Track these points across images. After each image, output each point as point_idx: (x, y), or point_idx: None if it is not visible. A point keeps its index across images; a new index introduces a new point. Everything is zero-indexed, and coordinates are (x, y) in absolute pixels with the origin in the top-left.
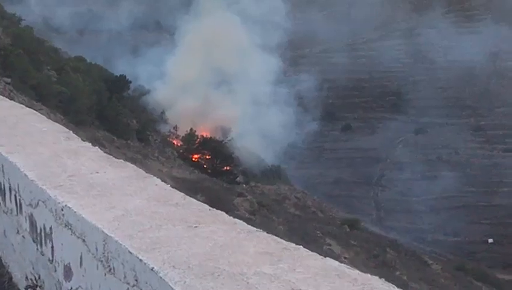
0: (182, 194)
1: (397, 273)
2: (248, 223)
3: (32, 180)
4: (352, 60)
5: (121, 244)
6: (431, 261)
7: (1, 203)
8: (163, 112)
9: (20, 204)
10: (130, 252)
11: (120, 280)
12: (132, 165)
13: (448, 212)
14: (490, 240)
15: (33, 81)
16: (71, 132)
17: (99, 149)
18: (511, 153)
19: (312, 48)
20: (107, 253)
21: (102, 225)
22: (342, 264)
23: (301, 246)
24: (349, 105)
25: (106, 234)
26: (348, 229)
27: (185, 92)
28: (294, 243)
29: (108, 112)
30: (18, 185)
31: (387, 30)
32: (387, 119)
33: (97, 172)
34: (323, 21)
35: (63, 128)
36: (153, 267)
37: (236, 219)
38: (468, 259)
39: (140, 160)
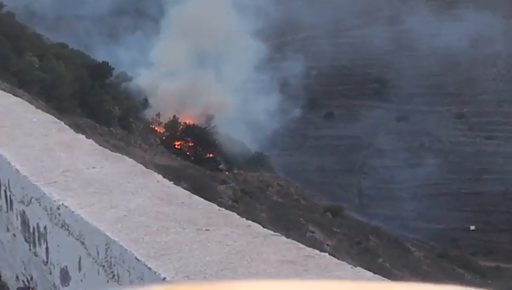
0: (187, 192)
1: (380, 260)
2: (232, 211)
3: (24, 176)
4: (335, 47)
5: (126, 249)
6: (413, 249)
7: None
8: (146, 99)
9: (11, 200)
10: (137, 259)
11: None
12: (130, 159)
13: (431, 199)
14: (472, 227)
15: (15, 68)
16: (63, 122)
17: (93, 142)
18: (494, 141)
19: (295, 35)
20: (110, 258)
21: (104, 226)
22: (376, 275)
23: (327, 254)
24: (331, 92)
25: (109, 237)
26: (330, 217)
27: (169, 77)
28: (278, 231)
29: (91, 99)
30: (8, 180)
31: (370, 17)
32: (370, 106)
33: (94, 167)
34: (305, 7)
35: (54, 119)
36: (165, 277)
37: (249, 221)
38: (451, 246)
39: (123, 147)
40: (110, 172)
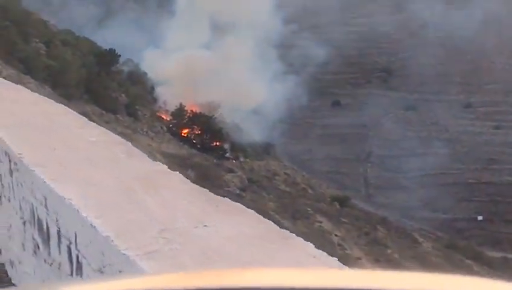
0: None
1: (388, 251)
2: (238, 200)
3: (105, 237)
4: (342, 35)
5: None
6: (421, 239)
7: (41, 247)
8: (152, 87)
9: (79, 263)
10: None
11: None
12: (251, 211)
13: (438, 189)
14: (480, 218)
15: (21, 54)
16: (129, 143)
17: (180, 174)
18: (502, 130)
19: (302, 23)
20: None
21: None
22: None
23: None
24: (338, 81)
25: None
26: (338, 206)
27: (176, 63)
28: (285, 219)
29: (97, 85)
30: (75, 234)
31: (377, 5)
32: (376, 95)
33: (204, 225)
34: None
35: (118, 139)
36: None
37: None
38: (458, 236)
39: (129, 135)
40: (231, 235)
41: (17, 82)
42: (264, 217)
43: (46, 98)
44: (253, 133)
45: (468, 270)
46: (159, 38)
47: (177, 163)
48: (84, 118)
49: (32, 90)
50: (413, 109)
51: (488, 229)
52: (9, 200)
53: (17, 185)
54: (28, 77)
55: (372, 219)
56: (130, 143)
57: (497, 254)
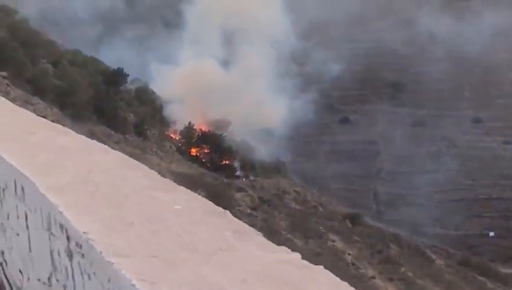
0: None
1: (402, 269)
2: (250, 219)
3: None
4: (351, 51)
5: None
6: (434, 257)
7: None
8: (161, 105)
9: None
10: None
11: None
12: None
13: (448, 205)
14: (491, 234)
15: (29, 75)
16: (228, 212)
17: (326, 271)
18: (511, 145)
19: (310, 39)
20: None
21: None
22: None
23: None
24: (347, 97)
25: None
26: (350, 224)
27: (184, 78)
28: (298, 239)
29: (106, 105)
30: None
31: (385, 21)
32: (385, 111)
33: None
34: (320, 12)
35: (211, 206)
36: None
37: None
38: (470, 253)
39: (139, 155)
40: None
41: (25, 102)
42: (276, 237)
43: (102, 144)
44: (262, 150)
45: (482, 288)
46: (167, 55)
47: (187, 183)
48: (153, 171)
49: (41, 112)
50: (423, 125)
51: (500, 245)
52: None
53: (82, 275)
54: (37, 98)
55: (384, 237)
56: (228, 212)
57: (509, 270)
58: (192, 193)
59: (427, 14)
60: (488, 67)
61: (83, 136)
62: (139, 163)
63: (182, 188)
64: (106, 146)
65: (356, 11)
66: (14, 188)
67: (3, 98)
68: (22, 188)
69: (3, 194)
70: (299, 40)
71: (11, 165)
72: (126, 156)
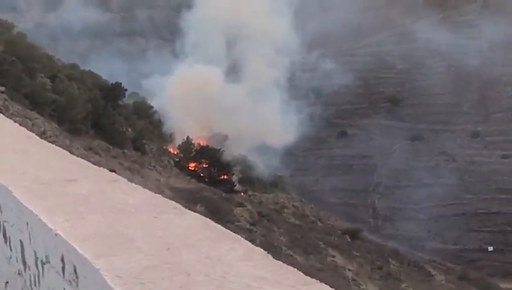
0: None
1: (403, 285)
2: (250, 235)
3: None
4: (348, 65)
5: None
6: (434, 272)
7: None
8: (159, 119)
9: None
10: None
11: None
12: None
13: (447, 220)
14: (490, 248)
15: (27, 90)
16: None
17: None
18: (509, 160)
19: (307, 54)
20: None
21: None
22: None
23: None
24: (344, 111)
25: None
26: (349, 239)
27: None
28: (298, 255)
29: (104, 120)
30: None
31: (383, 35)
32: (383, 125)
33: None
34: (317, 26)
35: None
36: None
37: None
38: (469, 268)
39: (138, 170)
40: None
41: (24, 117)
42: (276, 252)
43: (173, 202)
44: (260, 165)
45: None
46: (164, 68)
47: (185, 198)
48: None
49: (39, 126)
50: (421, 139)
51: (499, 260)
52: None
53: None
54: (34, 112)
55: (384, 252)
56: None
57: (509, 285)
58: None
59: (425, 28)
60: (487, 81)
61: (141, 188)
62: (229, 232)
63: (236, 236)
64: (178, 204)
65: (354, 25)
66: (61, 267)
67: (28, 132)
68: (76, 274)
69: (43, 269)
70: (297, 54)
71: (56, 235)
72: (206, 219)
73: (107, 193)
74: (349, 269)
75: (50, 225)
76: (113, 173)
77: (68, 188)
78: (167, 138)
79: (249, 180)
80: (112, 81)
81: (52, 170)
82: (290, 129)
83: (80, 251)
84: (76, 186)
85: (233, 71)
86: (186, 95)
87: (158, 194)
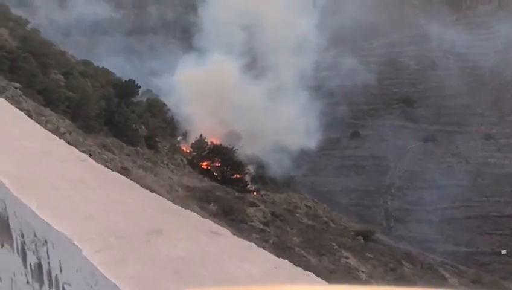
0: None
1: (417, 287)
2: (263, 235)
3: None
4: (362, 66)
5: None
6: (447, 274)
7: None
8: (172, 117)
9: None
10: None
11: None
12: None
13: (460, 222)
14: (503, 251)
15: (40, 86)
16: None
17: None
18: None
19: (322, 53)
20: None
21: None
22: None
23: None
24: (357, 112)
25: None
26: (362, 241)
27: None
28: (311, 256)
29: (118, 117)
30: None
31: (398, 35)
32: (396, 126)
33: None
34: (332, 26)
35: None
36: None
37: None
38: (481, 270)
39: (150, 168)
40: None
41: (38, 114)
42: (289, 253)
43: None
44: (272, 164)
45: None
46: (177, 65)
47: (198, 197)
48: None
49: (53, 123)
50: (434, 141)
51: (511, 263)
52: None
53: None
54: (48, 109)
55: (397, 254)
56: None
57: None
58: None
59: (439, 28)
60: (501, 83)
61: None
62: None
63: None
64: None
65: (368, 25)
66: None
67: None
68: None
69: None
70: (315, 53)
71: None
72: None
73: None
74: (362, 271)
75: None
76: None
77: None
78: (180, 136)
79: (262, 180)
80: (124, 78)
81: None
82: (304, 129)
83: None
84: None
85: (248, 69)
86: (201, 92)
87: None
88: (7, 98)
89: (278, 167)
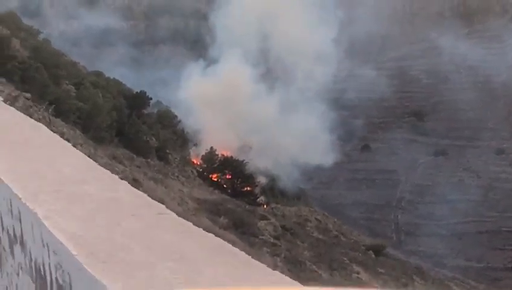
0: None
1: None
2: (274, 249)
3: None
4: (373, 79)
5: None
6: None
7: None
8: (182, 130)
9: None
10: None
11: None
12: None
13: (471, 237)
14: None
15: (51, 97)
16: None
17: None
18: None
19: (337, 65)
20: None
21: None
22: None
23: None
24: (368, 125)
25: None
26: (373, 255)
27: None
28: (322, 270)
29: (129, 129)
30: None
31: (410, 49)
32: (407, 140)
33: None
34: (343, 39)
35: None
36: None
37: None
38: (492, 286)
39: (161, 180)
40: None
41: (48, 125)
42: (301, 267)
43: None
44: (283, 177)
45: None
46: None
47: (209, 209)
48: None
49: (63, 134)
50: (445, 155)
51: None
52: None
53: None
54: (59, 120)
55: (408, 269)
56: None
57: None
58: None
59: (451, 42)
60: None
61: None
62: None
63: None
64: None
65: (379, 39)
66: None
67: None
68: None
69: None
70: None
71: None
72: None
73: None
74: (375, 287)
75: None
76: None
77: None
78: (191, 148)
79: (272, 193)
80: (135, 89)
81: None
82: (313, 142)
83: None
84: None
85: (261, 80)
86: (212, 103)
87: None
88: (18, 108)
89: (288, 180)
